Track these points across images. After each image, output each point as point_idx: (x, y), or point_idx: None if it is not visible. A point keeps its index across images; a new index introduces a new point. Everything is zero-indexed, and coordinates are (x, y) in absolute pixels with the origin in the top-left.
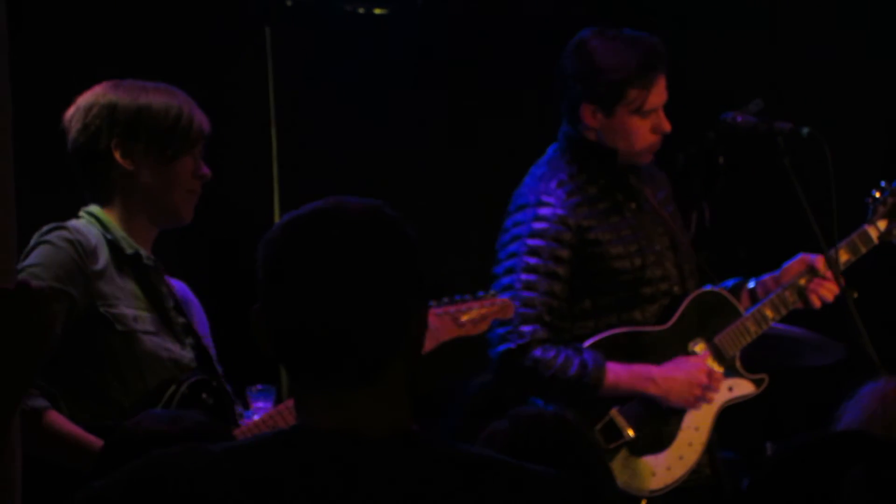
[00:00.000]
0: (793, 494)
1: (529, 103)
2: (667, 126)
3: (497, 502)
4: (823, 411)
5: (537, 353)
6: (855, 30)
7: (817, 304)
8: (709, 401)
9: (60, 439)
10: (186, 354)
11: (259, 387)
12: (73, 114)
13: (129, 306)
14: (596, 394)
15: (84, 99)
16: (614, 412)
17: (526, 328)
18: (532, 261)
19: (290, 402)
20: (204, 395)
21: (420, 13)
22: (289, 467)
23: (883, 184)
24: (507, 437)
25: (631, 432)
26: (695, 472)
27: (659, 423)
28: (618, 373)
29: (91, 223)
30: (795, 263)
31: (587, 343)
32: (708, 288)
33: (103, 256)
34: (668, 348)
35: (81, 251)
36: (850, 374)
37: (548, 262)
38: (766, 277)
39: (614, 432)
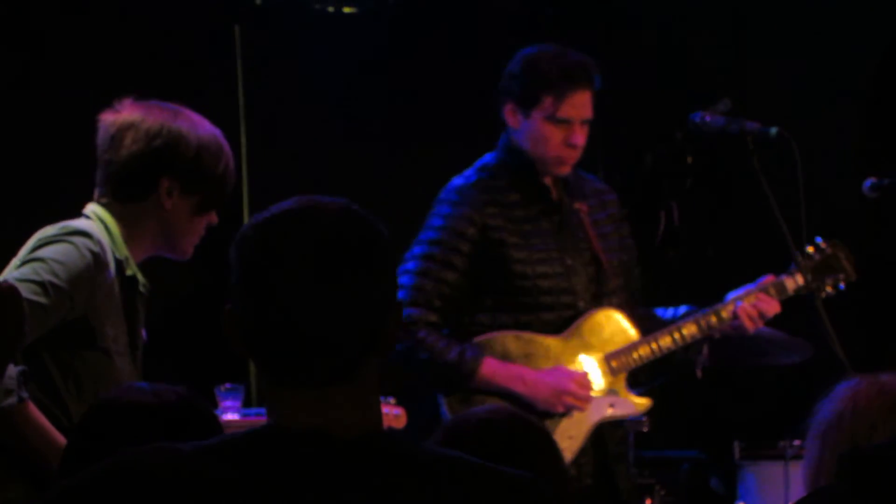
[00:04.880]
0: None
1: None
2: (577, 139)
3: None
4: (791, 410)
5: (421, 334)
6: (823, 29)
7: (749, 325)
8: (579, 409)
9: (41, 430)
10: (136, 378)
11: (227, 385)
12: (130, 130)
13: (113, 325)
14: (470, 383)
15: (148, 121)
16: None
17: (414, 310)
18: (432, 250)
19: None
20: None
21: (391, 12)
22: (259, 468)
23: (819, 240)
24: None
25: None
26: (576, 480)
27: None
28: (494, 367)
29: (101, 231)
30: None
31: (478, 339)
32: (609, 308)
33: (111, 272)
34: (557, 358)
35: (98, 264)
36: (817, 374)
37: (445, 252)
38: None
39: None
